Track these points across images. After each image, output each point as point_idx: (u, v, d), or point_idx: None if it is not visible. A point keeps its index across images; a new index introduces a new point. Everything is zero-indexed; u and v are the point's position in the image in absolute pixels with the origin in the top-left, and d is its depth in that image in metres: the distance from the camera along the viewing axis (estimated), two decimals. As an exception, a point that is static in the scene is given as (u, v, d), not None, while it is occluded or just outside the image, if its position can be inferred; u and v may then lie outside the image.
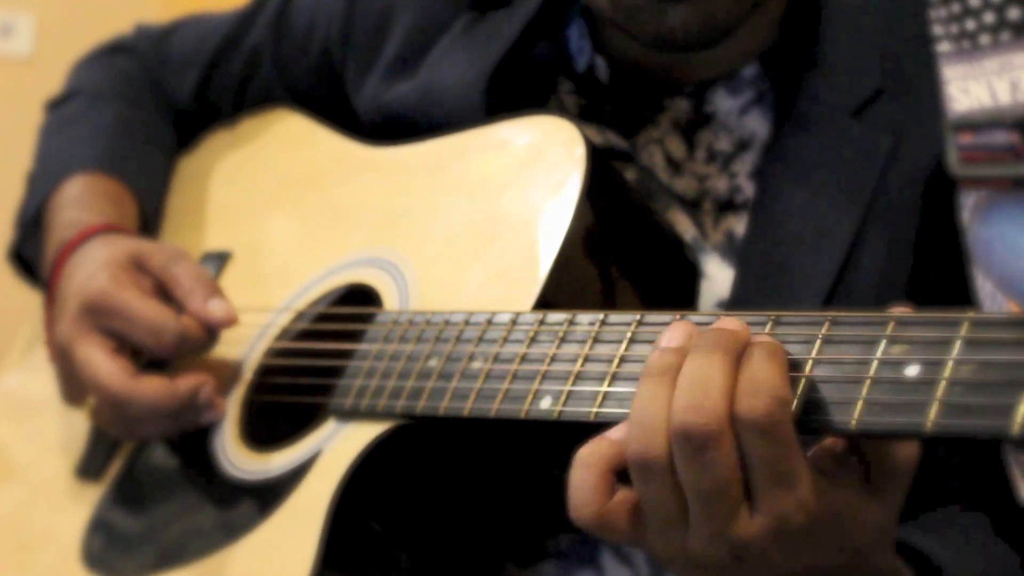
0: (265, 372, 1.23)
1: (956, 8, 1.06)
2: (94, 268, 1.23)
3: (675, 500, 0.83)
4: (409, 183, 1.22)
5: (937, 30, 1.06)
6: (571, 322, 0.98)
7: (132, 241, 1.29)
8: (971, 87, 1.02)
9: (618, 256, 1.08)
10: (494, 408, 0.97)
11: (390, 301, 1.14)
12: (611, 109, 1.23)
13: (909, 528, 0.99)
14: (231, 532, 1.11)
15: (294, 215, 1.33)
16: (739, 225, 1.15)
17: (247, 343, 1.24)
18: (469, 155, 1.18)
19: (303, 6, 1.43)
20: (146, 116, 1.49)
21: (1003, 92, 1.00)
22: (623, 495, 0.86)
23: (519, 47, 1.24)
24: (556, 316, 0.99)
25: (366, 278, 1.18)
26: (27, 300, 1.47)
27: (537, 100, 1.25)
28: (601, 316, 0.96)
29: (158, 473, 1.25)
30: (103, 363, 1.19)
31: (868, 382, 0.80)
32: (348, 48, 1.37)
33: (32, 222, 1.40)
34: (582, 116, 1.24)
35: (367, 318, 1.13)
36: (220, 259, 1.36)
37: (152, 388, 1.18)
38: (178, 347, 1.20)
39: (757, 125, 1.18)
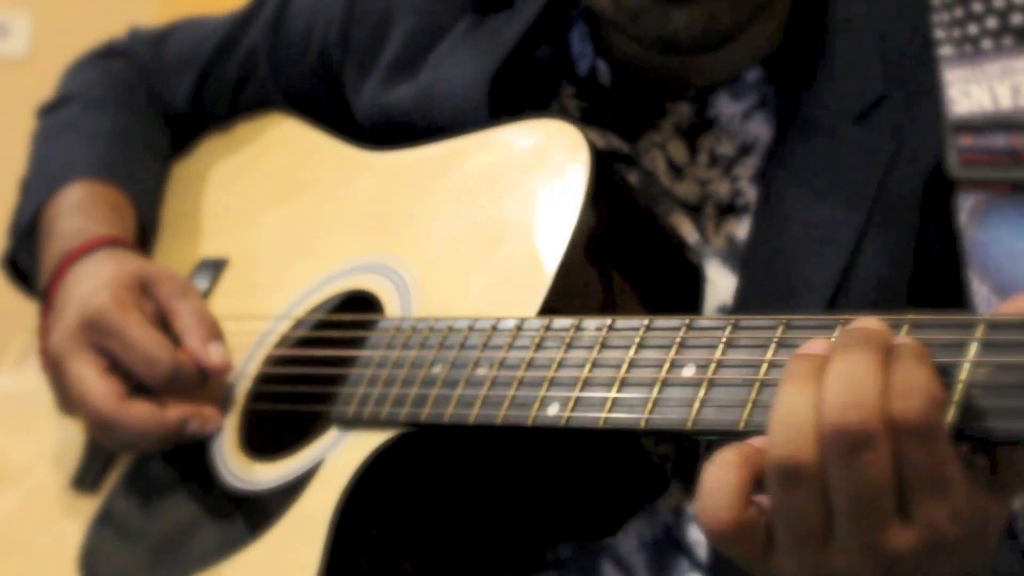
0: (264, 380, 1.22)
1: (959, 12, 1.06)
2: (98, 284, 1.23)
3: (819, 511, 0.78)
4: (409, 187, 1.22)
5: (939, 34, 1.06)
6: (578, 327, 0.97)
7: (140, 261, 1.29)
8: (972, 90, 1.03)
9: (622, 260, 1.08)
10: (500, 415, 0.97)
11: (392, 307, 1.14)
12: (613, 113, 1.23)
13: None
14: (232, 543, 1.11)
15: (291, 220, 1.33)
16: (740, 229, 1.15)
17: (246, 351, 1.24)
18: (471, 158, 1.18)
19: (301, 9, 1.43)
20: (142, 121, 1.49)
21: (1004, 96, 1.01)
22: (755, 510, 0.80)
23: (521, 50, 1.24)
24: (562, 321, 0.98)
25: (366, 284, 1.18)
26: (24, 302, 1.47)
27: (539, 103, 1.25)
28: (608, 321, 0.96)
29: (156, 484, 1.24)
30: (94, 382, 1.19)
31: None
32: (347, 51, 1.36)
33: (27, 229, 1.40)
34: (584, 120, 1.24)
35: (368, 325, 1.13)
36: (217, 266, 1.36)
37: (140, 415, 1.19)
38: (170, 382, 1.19)
39: (760, 130, 1.18)
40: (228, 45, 1.47)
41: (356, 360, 1.11)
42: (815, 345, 0.81)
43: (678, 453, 1.12)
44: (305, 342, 1.21)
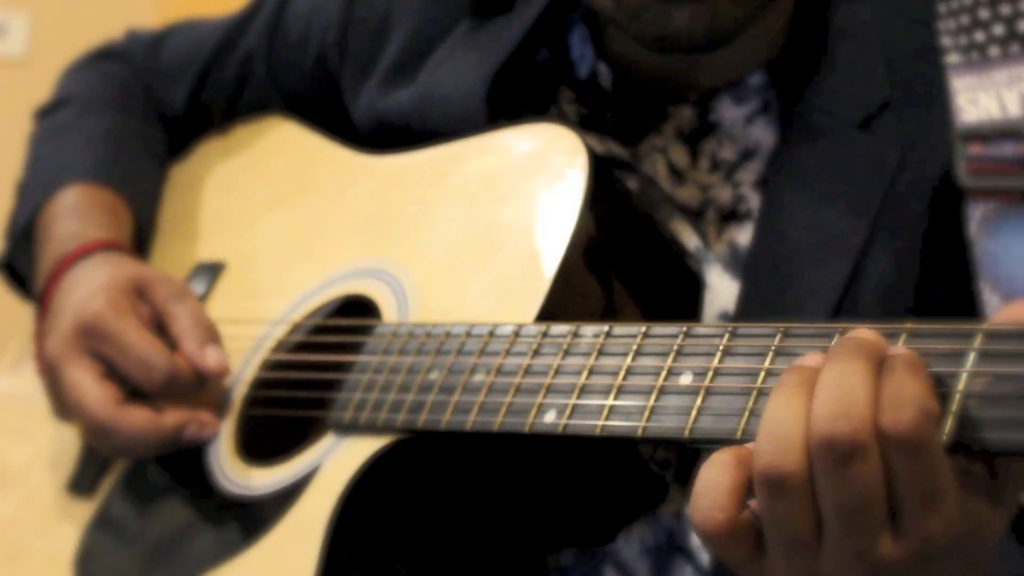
0: (261, 385, 1.22)
1: (965, 20, 1.06)
2: (93, 288, 1.23)
3: (807, 521, 0.78)
4: (407, 192, 1.22)
5: (946, 41, 1.06)
6: (575, 334, 0.97)
7: (135, 265, 1.29)
8: (980, 98, 1.03)
9: (621, 266, 1.08)
10: (497, 422, 0.97)
11: (389, 313, 1.14)
12: (613, 117, 1.23)
13: None
14: (228, 549, 1.11)
15: (289, 224, 1.33)
16: (742, 235, 1.16)
17: (242, 356, 1.24)
18: (469, 163, 1.18)
19: (298, 12, 1.43)
20: (139, 124, 1.49)
21: (1012, 104, 1.01)
22: (748, 514, 0.80)
23: (520, 53, 1.24)
24: (560, 328, 0.99)
25: (364, 289, 1.18)
26: (21, 305, 1.47)
27: (537, 108, 1.25)
28: (606, 328, 0.96)
29: (152, 489, 1.24)
30: (90, 388, 1.19)
31: None
32: (345, 54, 1.37)
33: (24, 232, 1.40)
34: (583, 125, 1.24)
35: (366, 330, 1.13)
36: (214, 270, 1.36)
37: (136, 420, 1.19)
38: (166, 386, 1.20)
39: (762, 135, 1.18)
40: (226, 48, 1.47)
41: (353, 365, 1.11)
42: (810, 358, 0.81)
43: (680, 458, 1.13)
44: (302, 347, 1.22)
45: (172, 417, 1.19)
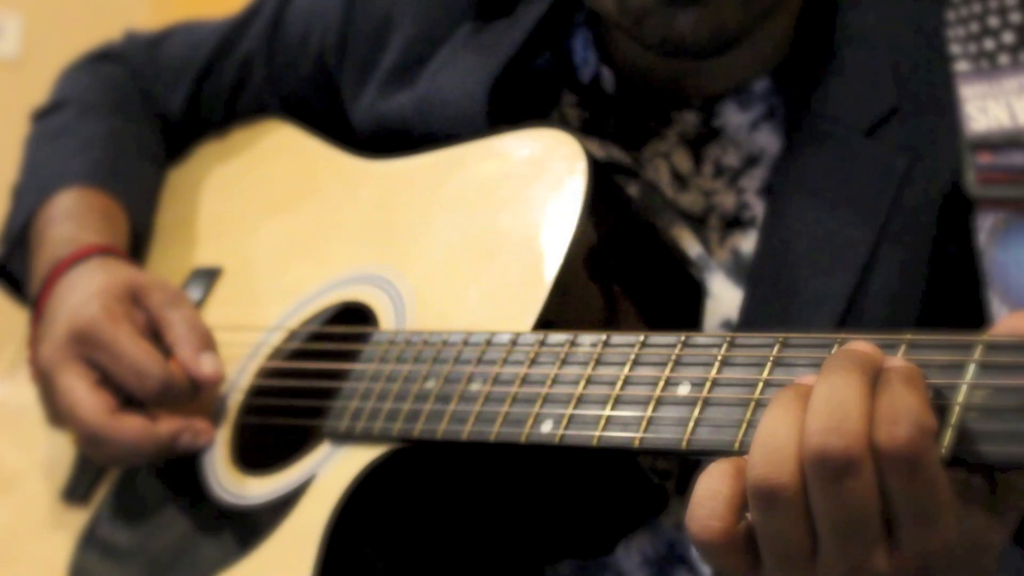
0: (257, 393, 1.23)
1: (974, 27, 1.06)
2: (88, 294, 1.23)
3: (802, 534, 0.78)
4: (405, 197, 1.22)
5: (955, 49, 1.06)
6: (573, 343, 0.97)
7: (131, 271, 1.29)
8: (989, 106, 1.03)
9: (621, 274, 1.08)
10: (494, 432, 0.97)
11: (386, 320, 1.14)
12: (615, 122, 1.23)
13: None
14: (223, 558, 1.11)
15: (286, 230, 1.33)
16: (746, 242, 1.16)
17: (238, 363, 1.24)
18: (468, 168, 1.18)
19: (298, 14, 1.43)
20: (136, 127, 1.49)
21: (1022, 112, 1.01)
22: (745, 525, 0.80)
23: (521, 57, 1.24)
24: (557, 337, 0.99)
25: (361, 296, 1.18)
26: (15, 309, 1.47)
27: (539, 112, 1.25)
28: (603, 337, 0.96)
29: (147, 498, 1.25)
30: (84, 396, 1.19)
31: None
32: (345, 57, 1.37)
33: (19, 236, 1.40)
34: (584, 130, 1.24)
35: (362, 338, 1.13)
36: (210, 275, 1.36)
37: (131, 428, 1.19)
38: (161, 394, 1.19)
39: (767, 141, 1.18)
40: (224, 50, 1.47)
41: (349, 374, 1.12)
42: (808, 377, 0.81)
43: (680, 468, 1.13)
44: (298, 354, 1.22)
45: (167, 425, 1.19)
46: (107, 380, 1.21)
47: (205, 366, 1.21)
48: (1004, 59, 1.07)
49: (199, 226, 1.43)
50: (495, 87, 1.22)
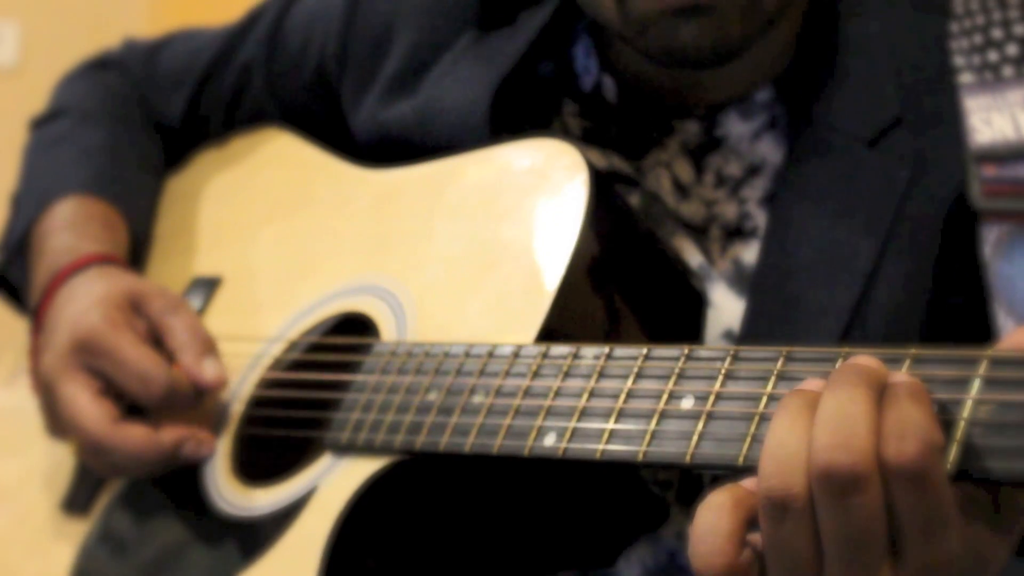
0: (258, 404, 1.23)
1: (978, 39, 1.06)
2: (88, 303, 1.23)
3: (809, 547, 0.78)
4: (405, 207, 1.22)
5: (959, 61, 1.06)
6: (575, 356, 0.98)
7: (130, 279, 1.29)
8: (994, 119, 1.03)
9: (622, 285, 1.08)
10: (496, 445, 0.97)
11: (387, 331, 1.14)
12: (617, 131, 1.23)
13: None
14: (224, 570, 1.11)
15: (286, 239, 1.33)
16: (747, 253, 1.16)
17: (239, 373, 1.24)
18: (468, 178, 1.18)
19: (298, 22, 1.44)
20: (135, 136, 1.49)
21: (1028, 125, 1.01)
22: (749, 551, 0.81)
23: (523, 65, 1.24)
24: (560, 349, 0.99)
25: (362, 306, 1.19)
26: (14, 319, 1.48)
27: (540, 121, 1.25)
28: (606, 350, 0.96)
29: (147, 508, 1.24)
30: (86, 405, 1.19)
31: None
32: (345, 65, 1.37)
33: (18, 245, 1.40)
34: (586, 139, 1.24)
35: (363, 349, 1.13)
36: (210, 284, 1.36)
37: (134, 437, 1.19)
38: (165, 400, 1.19)
39: (769, 151, 1.18)
40: (224, 58, 1.47)
41: (350, 385, 1.12)
42: (813, 383, 0.81)
43: (681, 479, 1.13)
44: (299, 365, 1.22)
45: (170, 434, 1.19)
46: (109, 389, 1.21)
47: (208, 371, 1.21)
48: (1008, 71, 1.07)
49: (199, 235, 1.43)
50: (497, 95, 1.22)
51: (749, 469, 0.83)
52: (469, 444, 0.99)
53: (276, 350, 1.24)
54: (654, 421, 0.90)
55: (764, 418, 0.85)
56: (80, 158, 1.44)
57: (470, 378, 1.02)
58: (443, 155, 1.22)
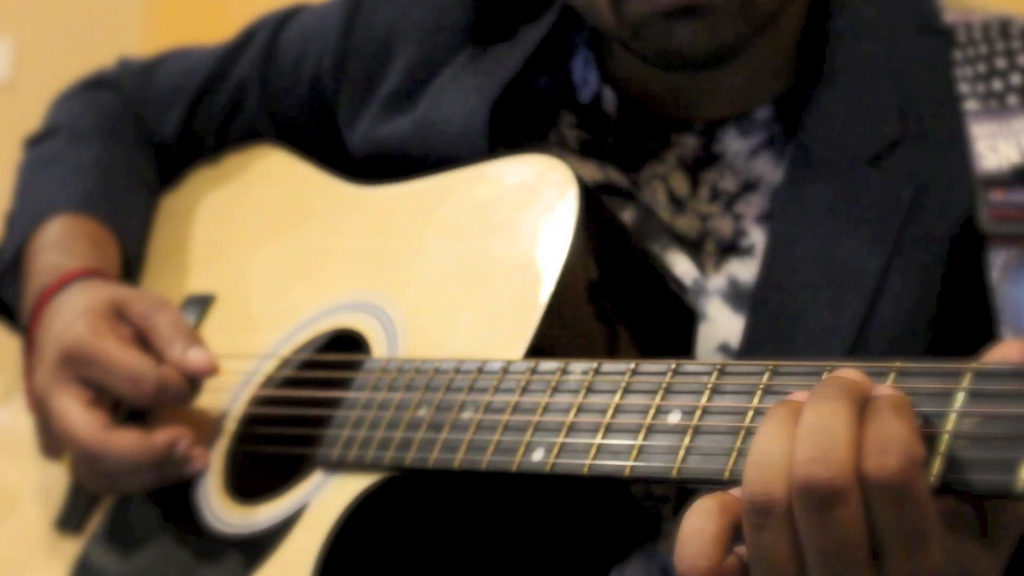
0: (250, 421, 1.23)
1: (982, 68, 1.08)
2: (72, 316, 1.24)
3: (790, 555, 0.79)
4: (398, 224, 1.23)
5: (963, 88, 1.08)
6: (564, 371, 0.98)
7: (112, 288, 1.30)
8: (1000, 145, 1.05)
9: (612, 301, 1.09)
10: (485, 460, 0.98)
11: (378, 347, 1.15)
12: (615, 143, 1.24)
13: None
14: (215, 589, 1.12)
15: (279, 257, 1.34)
16: (743, 270, 1.17)
17: (231, 391, 1.25)
18: (460, 194, 1.19)
19: (293, 39, 1.44)
20: (128, 154, 1.50)
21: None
22: (734, 558, 0.81)
23: (522, 77, 1.25)
24: (548, 365, 1.00)
25: (353, 323, 1.19)
26: (8, 337, 1.48)
27: (538, 133, 1.26)
28: (595, 365, 0.97)
29: (140, 527, 1.25)
30: (78, 415, 1.20)
31: None
32: (342, 80, 1.38)
33: (11, 264, 1.41)
34: (583, 150, 1.25)
35: (355, 365, 1.14)
36: (203, 302, 1.37)
37: (127, 442, 1.19)
38: (158, 396, 1.20)
39: (766, 169, 1.19)
40: (218, 76, 1.48)
41: (341, 402, 1.12)
42: (802, 394, 0.82)
43: (678, 493, 1.14)
44: (291, 382, 1.23)
45: (162, 436, 1.20)
46: (102, 399, 1.22)
47: (195, 359, 1.22)
48: (1013, 100, 1.09)
49: (192, 253, 1.44)
50: (495, 107, 1.23)
51: (735, 483, 0.84)
52: (458, 460, 1.00)
53: (268, 367, 1.25)
54: (641, 436, 0.91)
55: (750, 432, 0.85)
56: (72, 176, 1.45)
57: (460, 394, 1.03)
58: (441, 168, 1.22)
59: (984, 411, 0.77)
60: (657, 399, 0.92)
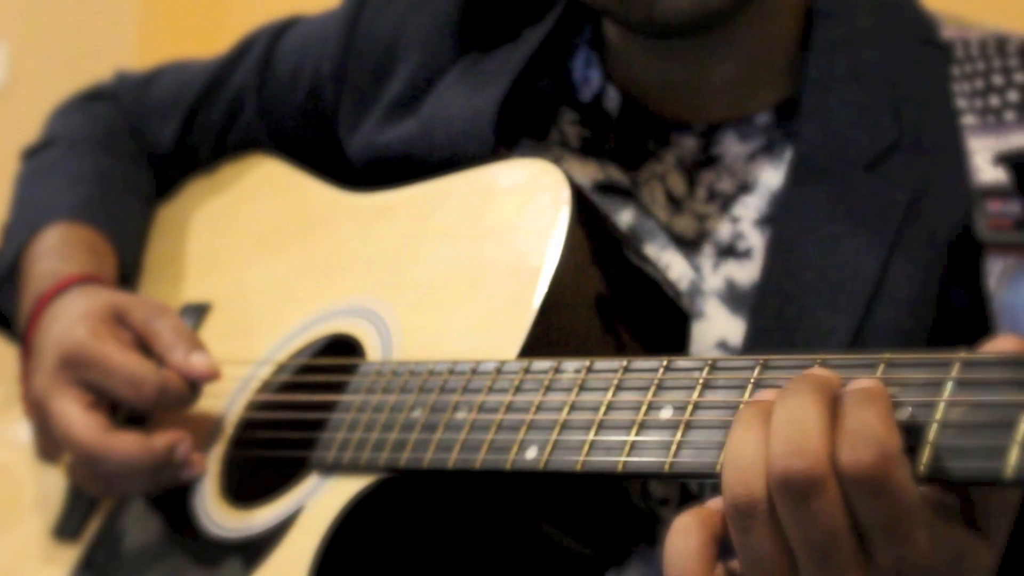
0: (246, 426, 1.24)
1: (979, 84, 1.10)
2: (72, 320, 1.25)
3: (779, 552, 0.80)
4: (391, 230, 1.24)
5: (961, 103, 1.10)
6: (556, 370, 0.99)
7: (112, 293, 1.31)
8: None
9: (605, 303, 1.10)
10: (479, 460, 0.99)
11: (373, 351, 1.16)
12: (616, 140, 1.25)
13: None
14: (212, 592, 1.13)
15: (275, 264, 1.35)
16: (741, 273, 1.18)
17: (228, 397, 1.26)
18: (453, 199, 1.20)
19: (290, 48, 1.46)
20: (125, 164, 1.51)
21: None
22: (723, 568, 0.83)
23: (524, 79, 1.26)
24: (541, 364, 1.01)
25: (348, 328, 1.20)
26: (5, 347, 1.49)
27: (538, 131, 1.27)
28: (587, 363, 0.98)
29: (137, 532, 1.26)
30: (77, 418, 1.21)
31: None
32: (342, 87, 1.39)
33: (8, 273, 1.42)
34: (584, 148, 1.26)
35: (349, 369, 1.15)
36: (200, 311, 1.38)
37: (127, 444, 1.20)
38: (159, 399, 1.21)
39: (763, 173, 1.20)
40: (215, 86, 1.49)
41: (336, 405, 1.13)
42: (768, 393, 0.83)
43: (681, 495, 1.14)
44: (287, 387, 1.24)
45: (162, 439, 1.20)
46: (101, 402, 1.22)
47: (197, 363, 1.22)
48: (1010, 115, 1.10)
49: (188, 262, 1.45)
50: (503, 107, 1.24)
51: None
52: (452, 460, 1.01)
53: (264, 373, 1.26)
54: (633, 432, 0.92)
55: None
56: (68, 185, 1.46)
57: (453, 395, 1.04)
58: (443, 170, 1.23)
59: (972, 399, 0.78)
60: (649, 395, 0.93)
